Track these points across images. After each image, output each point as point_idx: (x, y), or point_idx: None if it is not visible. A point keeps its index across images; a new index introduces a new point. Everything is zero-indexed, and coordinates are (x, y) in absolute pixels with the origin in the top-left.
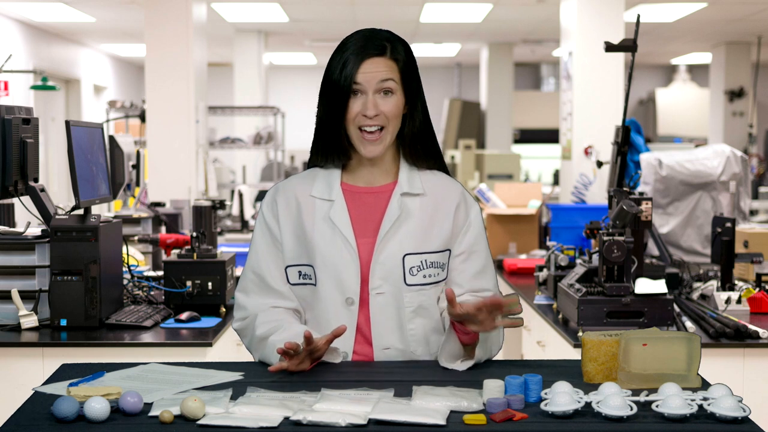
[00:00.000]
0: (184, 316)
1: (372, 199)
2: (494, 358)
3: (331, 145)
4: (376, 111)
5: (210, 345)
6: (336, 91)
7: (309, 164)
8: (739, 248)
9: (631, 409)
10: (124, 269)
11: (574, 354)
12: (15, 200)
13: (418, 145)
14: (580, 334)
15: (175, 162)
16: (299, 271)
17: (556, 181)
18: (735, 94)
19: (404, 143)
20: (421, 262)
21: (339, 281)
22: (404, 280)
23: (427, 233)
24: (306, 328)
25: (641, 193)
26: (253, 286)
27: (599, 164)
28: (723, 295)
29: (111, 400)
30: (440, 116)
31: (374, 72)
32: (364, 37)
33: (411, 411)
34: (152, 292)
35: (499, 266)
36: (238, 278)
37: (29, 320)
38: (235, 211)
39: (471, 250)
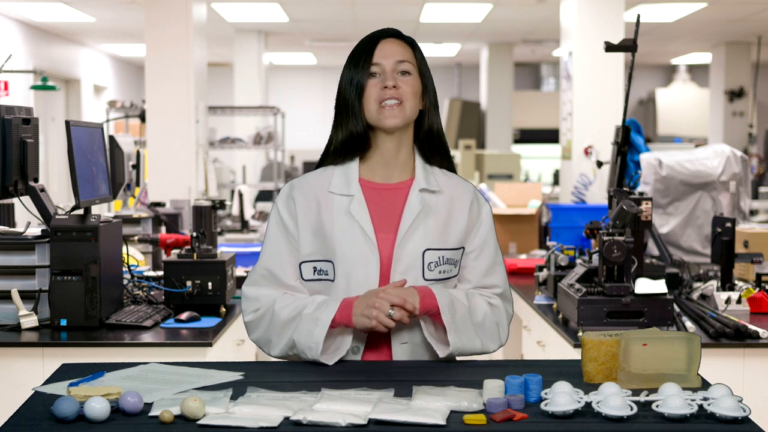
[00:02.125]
0: (184, 316)
1: (390, 195)
2: (494, 358)
3: (350, 135)
4: (395, 83)
5: (210, 345)
6: (355, 78)
7: (320, 163)
8: (739, 248)
9: (631, 409)
10: (124, 269)
11: (574, 354)
12: (15, 200)
13: (434, 143)
14: (580, 334)
15: (175, 162)
16: (314, 267)
17: (556, 181)
18: (735, 94)
19: (421, 140)
20: (439, 257)
21: (358, 276)
22: (423, 275)
23: (445, 230)
24: (326, 297)
25: (641, 193)
26: (263, 281)
27: (599, 164)
28: (723, 295)
29: (111, 400)
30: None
31: (391, 51)
32: (378, 30)
33: (411, 411)
34: (152, 292)
35: None
36: (238, 278)
37: (29, 320)
38: (235, 211)
39: (482, 248)
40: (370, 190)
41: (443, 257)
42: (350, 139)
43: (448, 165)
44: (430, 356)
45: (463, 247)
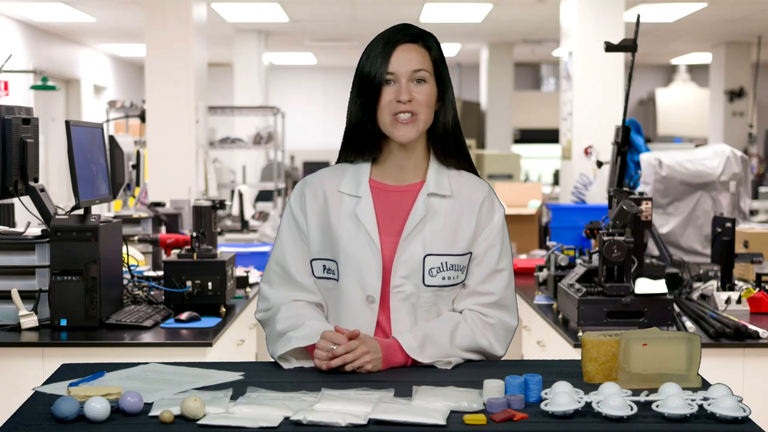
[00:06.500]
0: (184, 316)
1: (400, 198)
2: None
3: (363, 138)
4: (409, 96)
5: (210, 345)
6: (369, 81)
7: (338, 160)
8: (739, 248)
9: (631, 409)
10: (124, 269)
11: (574, 354)
12: (15, 200)
13: (449, 143)
14: (580, 334)
15: (175, 162)
16: (324, 265)
17: (556, 181)
18: (735, 94)
19: (435, 140)
20: (442, 263)
21: (361, 278)
22: (423, 280)
23: (452, 236)
24: (327, 324)
25: (641, 193)
26: (277, 278)
27: (599, 164)
28: (723, 295)
29: (111, 400)
30: None
31: (407, 60)
32: (395, 28)
33: (411, 411)
34: (152, 292)
35: None
36: (238, 278)
37: (29, 320)
38: (235, 211)
39: (486, 253)
40: (380, 192)
41: (446, 263)
42: (360, 131)
43: (466, 165)
44: None
45: (471, 253)
